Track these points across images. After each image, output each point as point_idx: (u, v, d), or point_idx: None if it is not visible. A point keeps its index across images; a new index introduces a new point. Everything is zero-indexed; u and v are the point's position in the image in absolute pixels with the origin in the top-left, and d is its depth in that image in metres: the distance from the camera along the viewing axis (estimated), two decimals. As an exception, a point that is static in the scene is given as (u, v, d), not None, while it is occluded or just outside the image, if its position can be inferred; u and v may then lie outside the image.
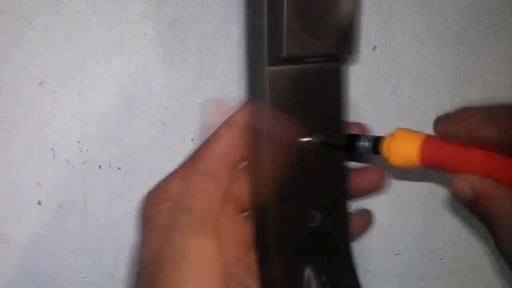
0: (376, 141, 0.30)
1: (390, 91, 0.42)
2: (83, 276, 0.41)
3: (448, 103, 0.42)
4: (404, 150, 0.29)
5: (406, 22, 0.42)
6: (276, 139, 0.31)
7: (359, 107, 0.42)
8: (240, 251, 0.33)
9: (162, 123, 0.42)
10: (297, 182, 0.32)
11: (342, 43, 0.32)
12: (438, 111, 0.41)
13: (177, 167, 0.34)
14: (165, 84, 0.42)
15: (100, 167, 0.41)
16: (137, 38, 0.42)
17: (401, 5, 0.43)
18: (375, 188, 0.38)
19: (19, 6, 0.41)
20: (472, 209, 0.28)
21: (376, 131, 0.42)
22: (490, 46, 0.42)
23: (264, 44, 0.29)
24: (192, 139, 0.41)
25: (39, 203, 0.41)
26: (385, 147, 0.30)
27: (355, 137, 0.32)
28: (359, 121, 0.37)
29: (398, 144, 0.29)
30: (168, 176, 0.34)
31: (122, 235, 0.41)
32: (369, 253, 0.41)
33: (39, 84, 0.41)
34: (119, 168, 0.41)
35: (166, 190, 0.33)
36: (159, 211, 0.33)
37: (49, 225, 0.41)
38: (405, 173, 0.42)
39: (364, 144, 0.31)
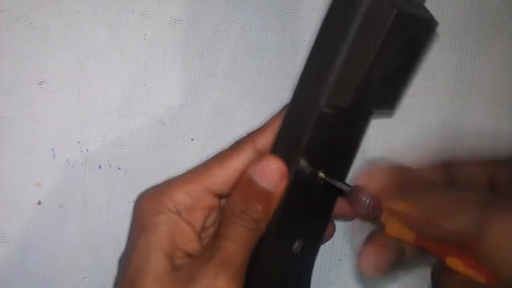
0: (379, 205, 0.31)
1: (390, 91, 0.42)
2: (83, 276, 0.41)
3: (448, 103, 0.42)
4: (403, 228, 0.30)
5: (406, 22, 0.42)
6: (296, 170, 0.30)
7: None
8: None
9: (162, 123, 0.42)
10: (295, 211, 0.33)
11: (389, 101, 0.33)
12: (438, 111, 0.42)
13: (181, 175, 0.32)
14: (165, 84, 0.42)
15: (100, 167, 0.41)
16: (137, 38, 0.42)
17: (401, 5, 0.42)
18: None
19: (19, 6, 0.41)
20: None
21: (377, 131, 0.42)
22: (490, 46, 0.42)
23: (328, 87, 0.29)
24: (192, 139, 0.41)
25: (39, 203, 0.41)
26: (385, 215, 0.30)
27: (360, 189, 0.32)
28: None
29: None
30: (171, 183, 0.31)
31: (122, 235, 0.41)
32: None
33: (39, 84, 0.41)
34: (119, 168, 0.41)
35: (171, 200, 0.30)
36: (160, 222, 0.30)
37: (49, 225, 0.41)
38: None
39: (366, 200, 0.31)
